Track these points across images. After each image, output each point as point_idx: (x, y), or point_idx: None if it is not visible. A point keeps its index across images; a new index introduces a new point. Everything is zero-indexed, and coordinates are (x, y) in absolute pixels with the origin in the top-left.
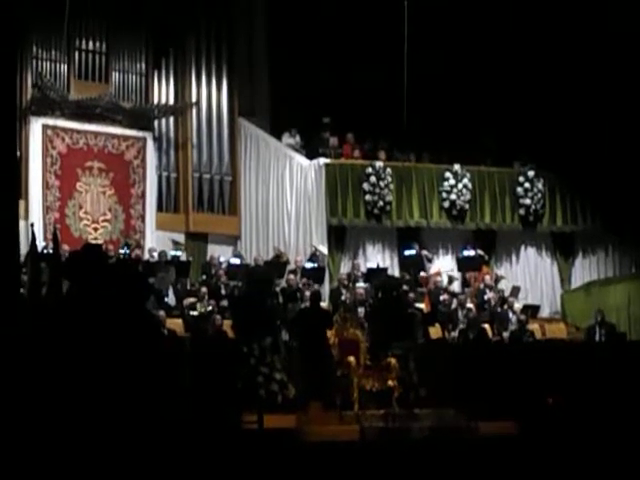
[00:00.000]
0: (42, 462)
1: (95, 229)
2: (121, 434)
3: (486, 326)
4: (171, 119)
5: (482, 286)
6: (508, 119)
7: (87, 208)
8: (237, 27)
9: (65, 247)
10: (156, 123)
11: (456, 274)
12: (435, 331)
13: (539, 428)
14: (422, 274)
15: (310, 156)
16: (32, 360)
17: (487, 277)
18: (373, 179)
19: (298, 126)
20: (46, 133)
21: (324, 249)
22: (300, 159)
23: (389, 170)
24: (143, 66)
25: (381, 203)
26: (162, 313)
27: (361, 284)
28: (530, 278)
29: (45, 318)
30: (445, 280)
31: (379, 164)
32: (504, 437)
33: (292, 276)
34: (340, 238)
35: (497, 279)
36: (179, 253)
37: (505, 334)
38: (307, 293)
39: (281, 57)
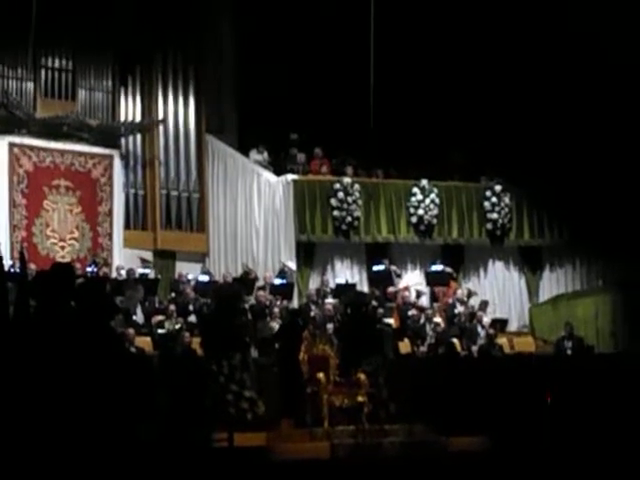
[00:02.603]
0: None
1: (62, 247)
2: (89, 456)
3: (455, 340)
4: (138, 136)
5: (452, 301)
6: (475, 134)
7: (54, 226)
8: (204, 43)
9: (32, 266)
10: (123, 141)
11: (424, 289)
12: (404, 346)
13: (509, 443)
14: (390, 289)
15: (278, 172)
16: None
17: (459, 292)
18: (341, 195)
19: (266, 143)
20: (12, 151)
21: (293, 265)
22: (268, 175)
23: (357, 186)
24: (110, 83)
25: (349, 219)
26: (132, 331)
27: (330, 300)
28: (498, 292)
29: (12, 338)
30: (413, 295)
31: (347, 180)
32: (474, 452)
33: (261, 293)
34: (309, 254)
35: (469, 294)
36: (147, 271)
37: (474, 348)
38: (276, 310)
39: (248, 73)
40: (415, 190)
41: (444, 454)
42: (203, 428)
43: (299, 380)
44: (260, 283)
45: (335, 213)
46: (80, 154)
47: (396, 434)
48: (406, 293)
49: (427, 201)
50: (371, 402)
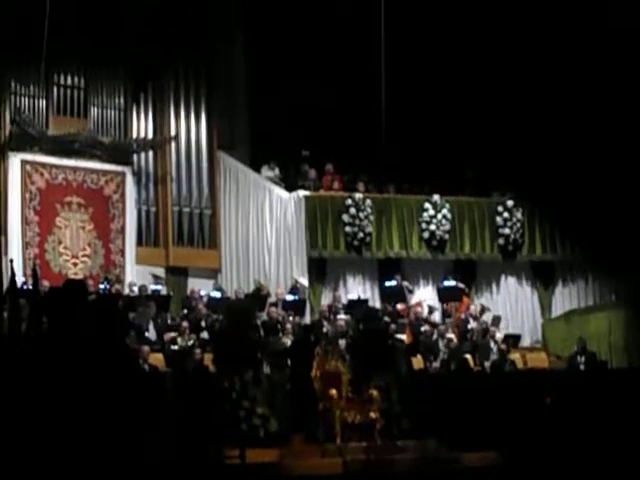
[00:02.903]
0: None
1: (75, 264)
2: (103, 472)
3: (468, 356)
4: (150, 153)
5: (464, 316)
6: (486, 149)
7: (66, 243)
8: (216, 60)
9: (45, 283)
10: (135, 157)
11: (436, 304)
12: (417, 362)
13: (522, 458)
14: (402, 305)
15: (289, 188)
16: (11, 398)
17: (472, 307)
18: (353, 211)
19: (277, 159)
20: (25, 169)
21: (305, 281)
22: (279, 192)
23: (369, 201)
24: (122, 101)
25: (361, 234)
26: (146, 348)
27: (342, 316)
28: (511, 307)
29: (25, 355)
30: (426, 311)
31: (359, 196)
32: (487, 468)
33: (273, 309)
34: (320, 270)
35: (483, 310)
36: (159, 287)
37: (487, 364)
38: (288, 326)
39: (260, 90)
40: (427, 205)
41: (457, 470)
42: (215, 444)
43: (311, 396)
44: (272, 299)
45: (347, 229)
46: (92, 171)
47: (409, 450)
48: (418, 309)
49: (439, 216)
50: (384, 418)
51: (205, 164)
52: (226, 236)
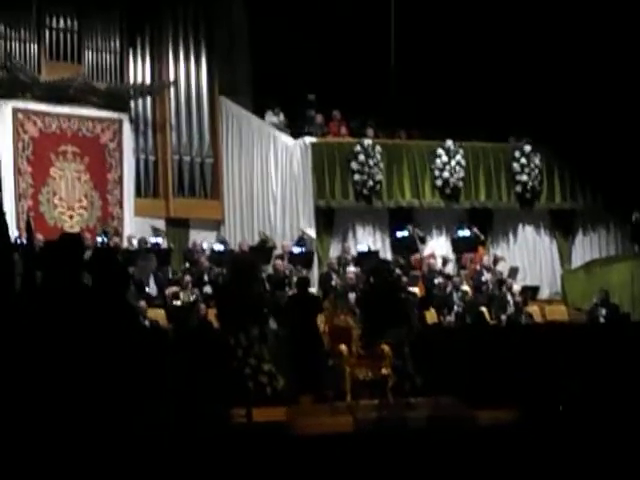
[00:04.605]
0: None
1: (71, 217)
2: (104, 434)
3: (483, 309)
4: (148, 99)
5: (479, 267)
6: (501, 91)
7: (62, 195)
8: (216, 0)
9: (39, 236)
10: (132, 104)
11: (451, 256)
12: (430, 316)
13: (540, 415)
14: (415, 256)
15: (295, 135)
16: (4, 359)
17: (485, 258)
18: (362, 158)
19: (282, 104)
20: (17, 117)
21: (312, 232)
22: (285, 138)
23: (378, 148)
24: (117, 44)
25: (371, 183)
26: (143, 304)
27: (352, 268)
28: (528, 258)
29: (19, 312)
30: (439, 262)
31: (367, 142)
32: (504, 426)
33: (279, 261)
34: (328, 221)
35: (496, 260)
36: (160, 240)
37: (503, 317)
38: (295, 279)
39: (263, 32)
40: (440, 151)
41: (472, 428)
42: (220, 403)
43: (320, 352)
44: (278, 252)
45: (356, 177)
46: (87, 119)
47: (422, 407)
48: (432, 260)
49: (453, 163)
50: (396, 375)
51: (206, 110)
52: (229, 186)
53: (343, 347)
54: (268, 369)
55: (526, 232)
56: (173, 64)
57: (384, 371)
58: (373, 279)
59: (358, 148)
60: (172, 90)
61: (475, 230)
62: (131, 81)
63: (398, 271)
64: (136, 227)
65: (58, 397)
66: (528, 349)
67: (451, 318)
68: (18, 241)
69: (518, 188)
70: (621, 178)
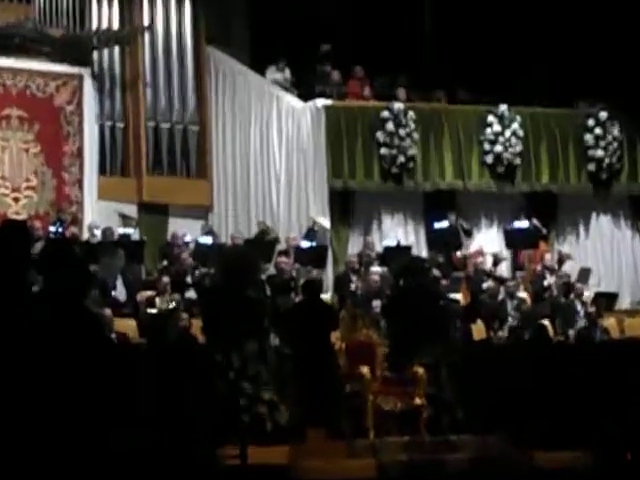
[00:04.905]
0: None
1: (16, 200)
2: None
3: (546, 322)
4: (116, 50)
5: (540, 269)
6: (570, 42)
7: (5, 172)
8: None
9: None
10: (96, 55)
11: (504, 253)
12: (477, 330)
13: (618, 459)
14: (458, 254)
15: (304, 96)
16: None
17: (547, 256)
18: (390, 126)
19: (288, 57)
20: None
21: (325, 222)
22: (291, 100)
23: (412, 114)
24: None
25: (402, 159)
26: (108, 312)
27: (376, 268)
28: (604, 257)
29: None
30: (489, 261)
31: (398, 106)
32: (569, 471)
33: (283, 259)
34: (347, 207)
35: (561, 259)
36: (130, 231)
37: (571, 332)
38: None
39: None
40: (491, 119)
41: (528, 474)
42: (207, 441)
43: (335, 376)
44: (281, 246)
45: (382, 151)
46: (38, 74)
47: (464, 448)
48: (479, 259)
49: (507, 134)
50: (432, 405)
51: (190, 64)
52: (219, 161)
53: (364, 369)
54: (268, 397)
55: (601, 223)
56: (148, 4)
57: (417, 400)
58: (403, 282)
59: (386, 114)
60: (146, 38)
61: (535, 221)
62: (94, 26)
63: (436, 272)
64: (100, 214)
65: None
66: (603, 373)
67: (504, 333)
68: None
69: (591, 166)
70: None
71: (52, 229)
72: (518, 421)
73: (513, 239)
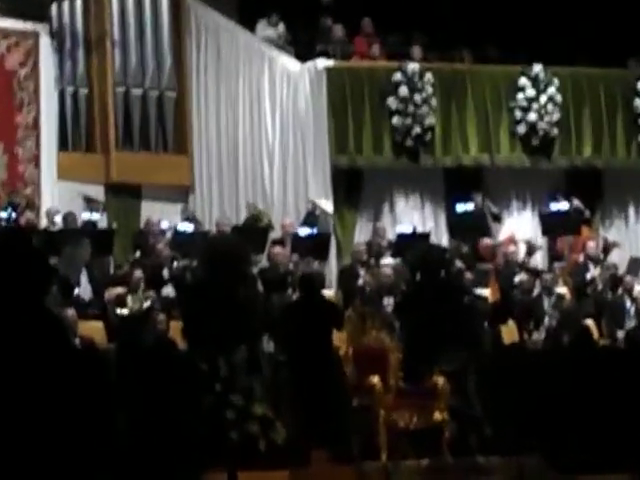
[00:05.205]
0: None
1: None
2: None
3: (589, 322)
4: (78, 2)
5: (582, 259)
6: None
7: None
8: None
9: None
10: (54, 9)
11: (540, 241)
12: (509, 332)
13: None
14: (485, 242)
15: (303, 56)
16: None
17: (590, 244)
18: (404, 91)
19: (281, 10)
20: None
21: (328, 206)
22: (286, 61)
23: (429, 76)
24: None
25: (417, 130)
26: (72, 312)
27: (388, 260)
28: None
29: None
30: (522, 251)
31: (413, 67)
32: None
33: (278, 249)
34: (353, 188)
35: (607, 247)
36: (96, 216)
37: (620, 334)
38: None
39: None
40: (523, 81)
41: None
42: (189, 464)
43: (340, 387)
44: (276, 234)
45: (395, 121)
46: None
47: (495, 471)
48: (511, 248)
49: (543, 99)
50: (455, 421)
51: (166, 19)
52: (201, 134)
53: (375, 379)
54: (261, 412)
55: None
56: None
57: (437, 416)
58: (421, 276)
59: (399, 77)
60: None
61: (576, 202)
62: None
63: (459, 264)
64: (60, 197)
65: None
66: None
67: (539, 336)
68: None
69: None
70: None
71: (3, 215)
72: (557, 440)
73: (550, 224)
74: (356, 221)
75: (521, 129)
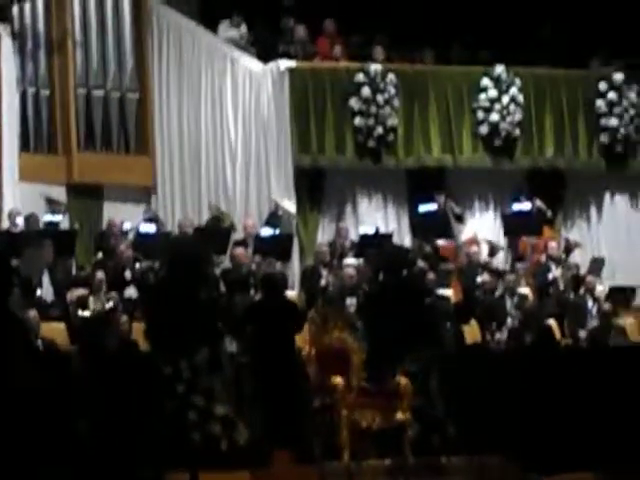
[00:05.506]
0: None
1: None
2: None
3: (552, 322)
4: (39, 3)
5: (544, 259)
6: None
7: None
8: None
9: None
10: (15, 10)
11: (502, 241)
12: (471, 332)
13: None
14: (448, 242)
15: (264, 57)
16: None
17: (552, 245)
18: (366, 92)
19: (243, 11)
20: None
21: (290, 206)
22: (249, 62)
23: (392, 77)
24: None
25: (380, 130)
26: (33, 314)
27: (351, 260)
28: (620, 245)
29: None
30: (484, 251)
31: (375, 67)
32: None
33: (240, 250)
34: (315, 188)
35: (569, 248)
36: (58, 218)
37: (582, 334)
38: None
39: None
40: (485, 82)
41: None
42: (152, 465)
43: (302, 387)
44: (238, 235)
45: (357, 121)
46: None
47: (457, 471)
48: (473, 248)
49: (505, 100)
50: (418, 421)
51: (128, 19)
52: (163, 134)
53: (338, 380)
54: (223, 413)
55: (616, 205)
56: None
57: (400, 416)
58: (384, 277)
59: (361, 77)
60: None
61: (538, 202)
62: None
63: (422, 264)
64: (22, 198)
65: None
66: (619, 382)
67: (502, 336)
68: None
69: (604, 138)
70: None
71: None
72: (520, 439)
73: (512, 224)
74: (319, 222)
75: (483, 130)
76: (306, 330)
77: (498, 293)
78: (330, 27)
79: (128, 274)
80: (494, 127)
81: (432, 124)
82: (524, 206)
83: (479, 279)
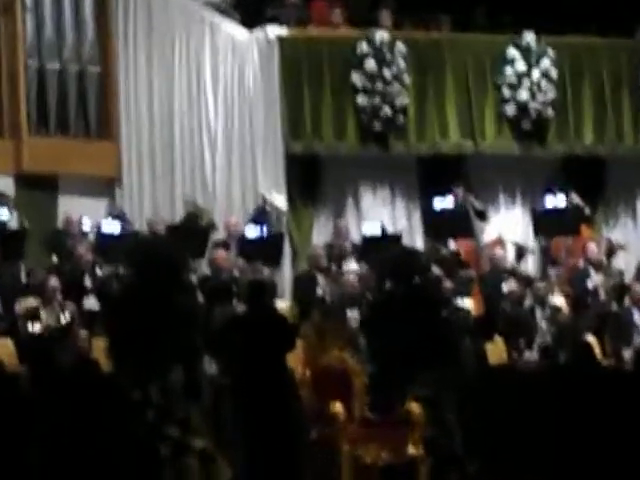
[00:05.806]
0: None
1: None
2: None
3: (590, 339)
4: None
5: (582, 264)
6: None
7: None
8: None
9: None
10: None
11: (532, 243)
12: (495, 351)
13: None
14: (468, 244)
15: (250, 23)
16: None
17: (591, 247)
18: (371, 65)
19: None
20: None
21: (280, 201)
22: (231, 29)
23: (401, 46)
24: None
25: (387, 111)
26: None
27: (352, 266)
28: None
29: None
30: (511, 255)
31: (382, 35)
32: None
33: (221, 253)
34: (311, 179)
35: (611, 250)
36: (5, 214)
37: (626, 353)
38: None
39: None
40: (512, 53)
41: None
42: None
43: (294, 416)
44: (219, 235)
45: (360, 100)
46: None
47: None
48: (497, 251)
49: (535, 75)
50: (432, 457)
51: None
52: (130, 115)
53: (337, 407)
54: (201, 446)
55: None
56: None
57: (411, 450)
58: (391, 285)
59: (364, 48)
60: None
61: (575, 197)
62: None
63: (437, 270)
64: None
65: None
66: None
67: (532, 354)
68: None
69: None
70: None
71: None
72: (553, 476)
73: (544, 223)
74: (314, 219)
75: (510, 110)
76: (300, 348)
77: (527, 304)
78: None
79: (87, 281)
80: (522, 107)
81: (449, 103)
82: (558, 201)
83: (504, 287)
